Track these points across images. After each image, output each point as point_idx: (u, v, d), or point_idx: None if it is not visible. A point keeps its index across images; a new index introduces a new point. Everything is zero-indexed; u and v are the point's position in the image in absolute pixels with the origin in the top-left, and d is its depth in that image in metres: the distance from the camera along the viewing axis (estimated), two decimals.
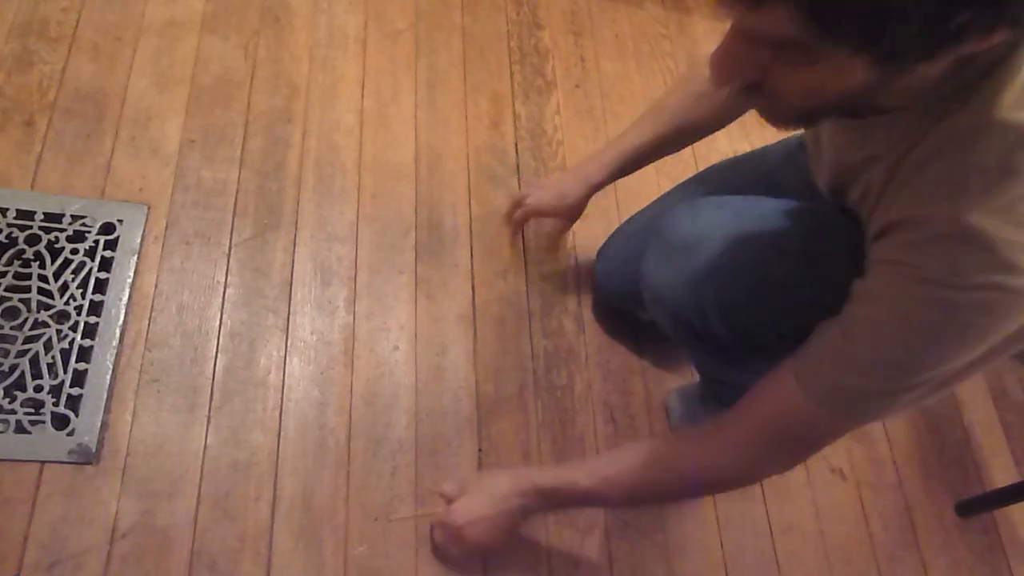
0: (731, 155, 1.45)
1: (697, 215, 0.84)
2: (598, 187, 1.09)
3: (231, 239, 1.13)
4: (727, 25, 0.54)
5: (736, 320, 0.81)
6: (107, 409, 0.98)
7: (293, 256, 1.15)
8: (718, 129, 1.02)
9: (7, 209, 1.07)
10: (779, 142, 1.04)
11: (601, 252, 1.21)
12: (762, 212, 0.82)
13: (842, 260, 0.68)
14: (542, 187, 1.15)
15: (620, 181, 1.36)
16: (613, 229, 1.29)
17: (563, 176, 1.13)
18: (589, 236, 1.29)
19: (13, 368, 0.98)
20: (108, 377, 0.99)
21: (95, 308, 1.04)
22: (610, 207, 1.33)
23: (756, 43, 0.53)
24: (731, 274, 0.79)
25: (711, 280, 0.79)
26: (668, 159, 1.45)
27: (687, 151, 1.43)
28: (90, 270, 1.06)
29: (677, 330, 0.89)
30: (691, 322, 0.84)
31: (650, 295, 0.89)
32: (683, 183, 1.13)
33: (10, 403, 0.96)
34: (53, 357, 1.00)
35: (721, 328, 0.82)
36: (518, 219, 1.17)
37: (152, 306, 1.06)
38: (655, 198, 1.17)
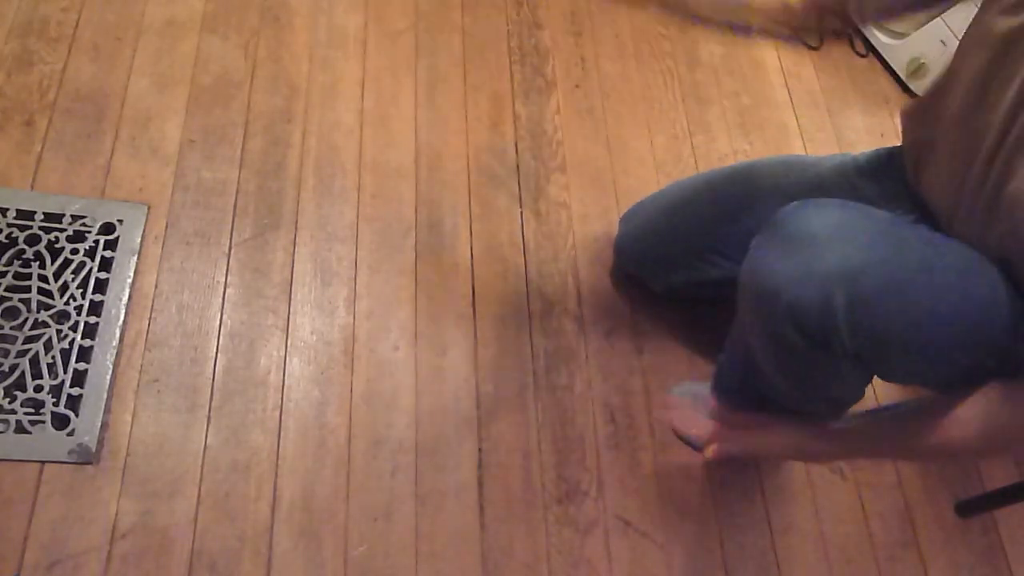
0: (731, 155, 1.46)
1: (823, 211, 0.79)
2: None
3: (231, 239, 1.13)
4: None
5: (866, 321, 0.75)
6: (107, 409, 0.98)
7: (293, 256, 1.15)
8: None
9: (7, 209, 1.07)
10: (831, 157, 1.05)
11: (625, 218, 1.23)
12: (890, 219, 0.80)
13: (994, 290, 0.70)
14: None
15: (620, 180, 1.37)
16: (613, 230, 1.29)
17: None
18: (589, 236, 1.29)
19: (13, 368, 0.98)
20: (108, 377, 0.99)
21: (95, 308, 1.04)
22: (610, 207, 1.33)
23: None
24: (869, 272, 0.74)
25: (847, 275, 0.74)
26: (667, 161, 1.45)
27: (686, 149, 1.43)
28: (90, 270, 1.06)
29: (780, 329, 0.80)
30: (807, 323, 0.77)
31: (762, 289, 0.81)
32: (721, 175, 1.11)
33: (10, 403, 0.96)
34: (53, 357, 1.00)
35: (845, 330, 0.76)
36: None
37: (152, 306, 1.06)
38: (686, 178, 1.18)
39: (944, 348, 0.76)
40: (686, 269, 1.12)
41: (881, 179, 0.98)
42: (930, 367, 0.79)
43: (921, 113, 0.93)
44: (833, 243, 0.75)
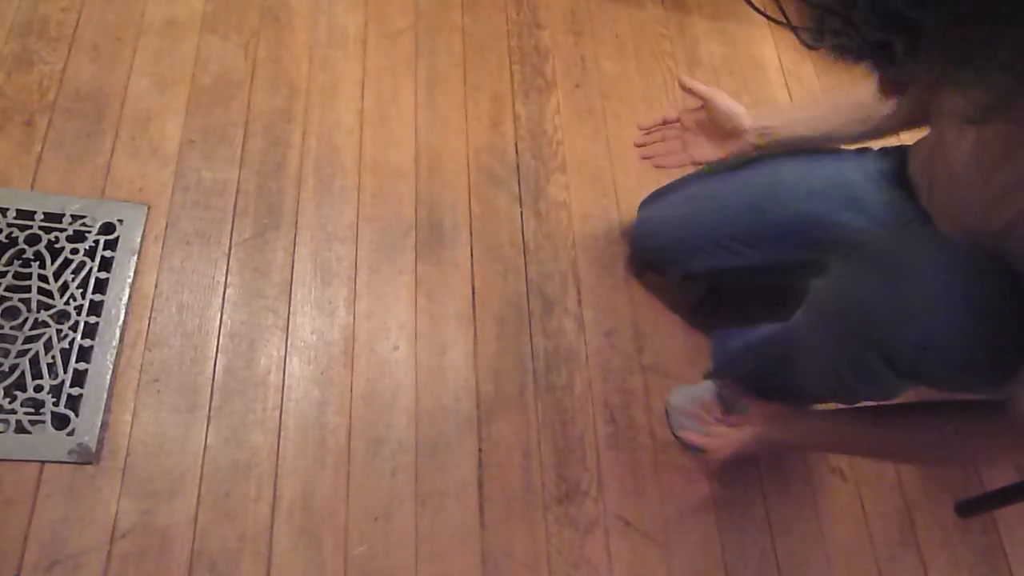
0: None
1: (915, 246, 0.79)
2: (758, 125, 1.07)
3: (231, 239, 1.13)
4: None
5: (960, 361, 0.74)
6: (107, 409, 0.98)
7: (293, 256, 1.15)
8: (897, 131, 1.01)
9: (7, 209, 1.07)
10: (848, 154, 1.04)
11: (645, 203, 1.23)
12: (963, 249, 0.79)
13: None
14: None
15: (620, 180, 1.37)
16: (614, 230, 1.29)
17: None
18: (589, 236, 1.29)
19: (13, 368, 0.98)
20: (108, 377, 0.99)
21: (95, 308, 1.04)
22: (610, 206, 1.33)
23: None
24: (963, 309, 0.73)
25: (941, 313, 0.74)
26: None
27: None
28: (90, 270, 1.06)
29: (864, 356, 0.80)
30: (898, 359, 0.77)
31: (856, 319, 0.80)
32: (744, 163, 1.10)
33: (10, 403, 0.96)
34: (53, 357, 1.00)
35: (937, 368, 0.75)
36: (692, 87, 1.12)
37: (152, 306, 1.06)
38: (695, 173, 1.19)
39: (1008, 372, 0.76)
40: (708, 255, 1.11)
41: (903, 185, 0.97)
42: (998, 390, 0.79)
43: (915, 147, 0.94)
44: (931, 280, 0.75)
